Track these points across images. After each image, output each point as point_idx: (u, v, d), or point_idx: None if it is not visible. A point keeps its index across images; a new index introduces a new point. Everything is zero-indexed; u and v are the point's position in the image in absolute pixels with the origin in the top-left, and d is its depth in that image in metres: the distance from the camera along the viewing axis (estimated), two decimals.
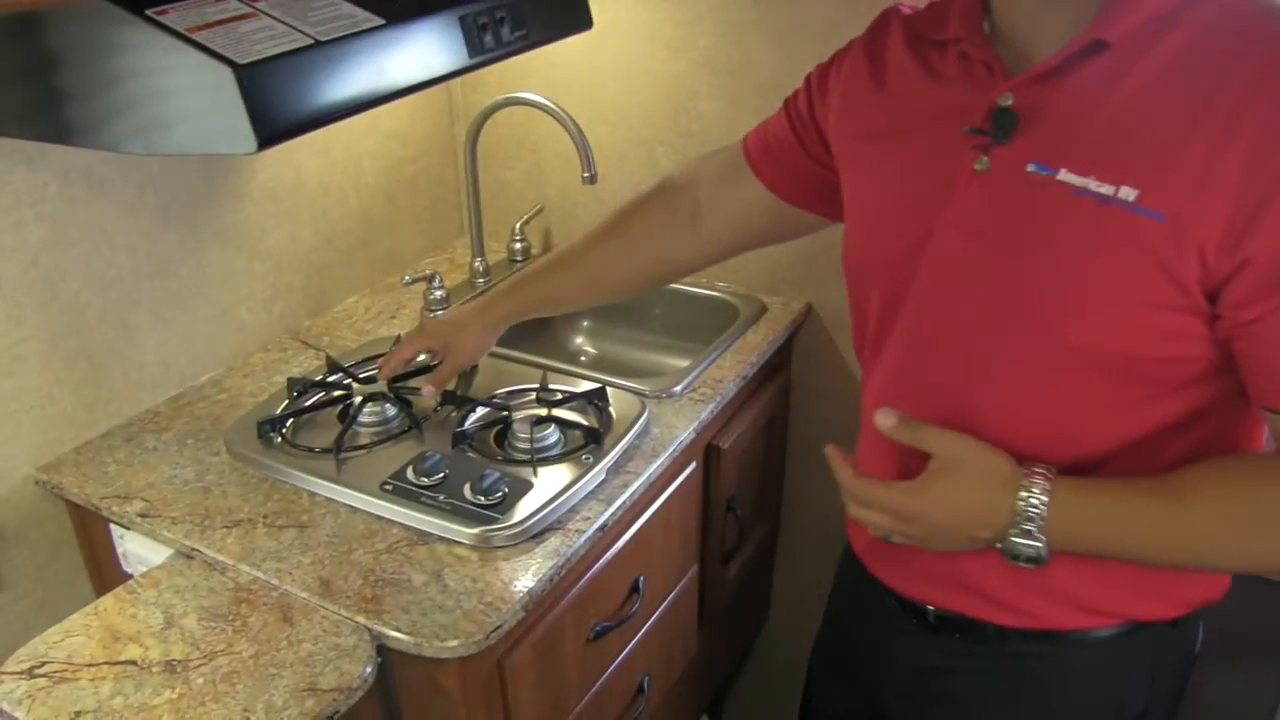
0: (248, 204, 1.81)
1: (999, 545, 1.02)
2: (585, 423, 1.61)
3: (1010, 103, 1.02)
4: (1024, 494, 1.00)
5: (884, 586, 1.29)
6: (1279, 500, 0.96)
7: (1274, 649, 1.80)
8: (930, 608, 1.24)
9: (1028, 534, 0.99)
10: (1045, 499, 0.99)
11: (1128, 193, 0.93)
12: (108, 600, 1.34)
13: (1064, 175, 0.97)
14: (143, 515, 1.45)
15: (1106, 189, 0.95)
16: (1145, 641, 1.17)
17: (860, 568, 1.33)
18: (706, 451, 1.81)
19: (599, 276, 1.54)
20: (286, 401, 1.67)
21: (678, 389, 1.74)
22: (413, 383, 1.65)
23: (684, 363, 1.85)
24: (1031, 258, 1.00)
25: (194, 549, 1.40)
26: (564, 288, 1.57)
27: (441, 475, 1.47)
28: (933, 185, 1.07)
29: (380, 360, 1.68)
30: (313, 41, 1.20)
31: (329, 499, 1.48)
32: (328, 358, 1.76)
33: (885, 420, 1.06)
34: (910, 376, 1.16)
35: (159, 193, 1.64)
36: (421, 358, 1.67)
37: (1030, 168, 0.99)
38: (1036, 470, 1.01)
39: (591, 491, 1.48)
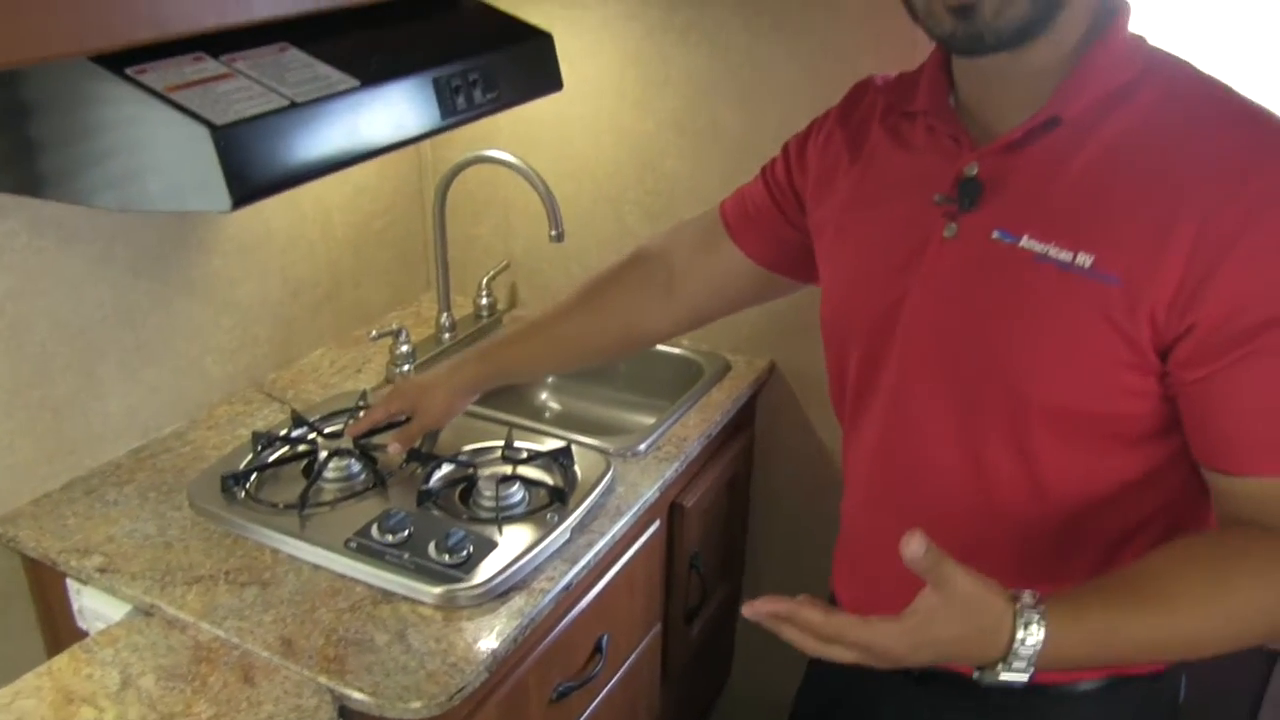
0: (216, 256, 1.81)
1: (979, 673, 0.98)
2: (550, 481, 1.61)
3: (975, 172, 1.07)
4: (1020, 634, 0.94)
5: None
6: (1250, 588, 0.97)
7: (1254, 699, 1.82)
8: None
9: (1018, 669, 0.95)
10: (1041, 636, 0.94)
11: (1084, 259, 0.99)
12: (62, 659, 1.32)
13: (1026, 242, 1.02)
14: (101, 570, 1.44)
15: (1065, 255, 1.00)
16: (1129, 694, 1.19)
17: None
18: (670, 509, 1.81)
19: (573, 344, 1.55)
20: (251, 455, 1.66)
21: (642, 447, 1.74)
22: (378, 439, 1.65)
23: (649, 420, 1.86)
24: (998, 320, 1.05)
25: (154, 605, 1.39)
26: (537, 355, 1.58)
27: (406, 533, 1.46)
28: (906, 251, 1.12)
29: (350, 422, 1.68)
30: (289, 102, 1.21)
31: (292, 556, 1.47)
32: (293, 411, 1.76)
33: (915, 550, 0.92)
34: (895, 433, 1.19)
35: (129, 244, 1.64)
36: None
37: (995, 234, 1.05)
38: (1029, 604, 0.95)
39: (556, 551, 1.49)
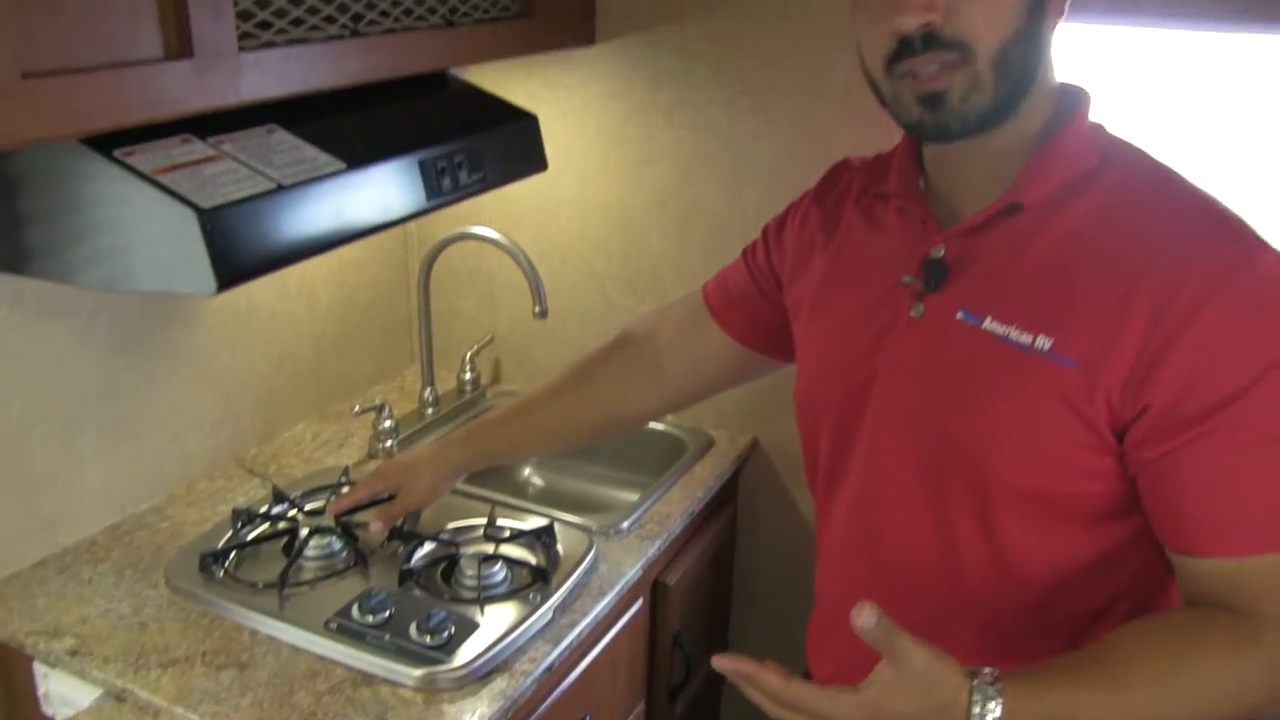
0: (199, 330, 1.81)
1: None
2: (533, 560, 1.60)
3: (942, 254, 1.10)
4: (977, 709, 0.94)
5: None
6: (1210, 671, 0.98)
7: None
8: None
9: None
10: (998, 714, 0.94)
11: (1044, 341, 1.02)
12: None
13: (989, 324, 1.06)
14: (72, 653, 1.41)
15: (1026, 338, 1.03)
16: None
17: None
18: (654, 587, 1.80)
19: (560, 427, 1.56)
20: (230, 533, 1.65)
21: (625, 525, 1.74)
22: (360, 516, 1.64)
23: (632, 496, 1.85)
24: (962, 400, 1.08)
25: (126, 689, 1.36)
26: (524, 438, 1.59)
27: (387, 613, 1.45)
28: (877, 330, 1.15)
29: (333, 499, 1.67)
30: (275, 185, 1.22)
31: (271, 637, 1.45)
32: (274, 488, 1.75)
33: (865, 620, 0.93)
34: (866, 509, 1.20)
35: (111, 318, 1.64)
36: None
37: (960, 315, 1.08)
38: (987, 681, 0.95)
39: (539, 631, 1.47)
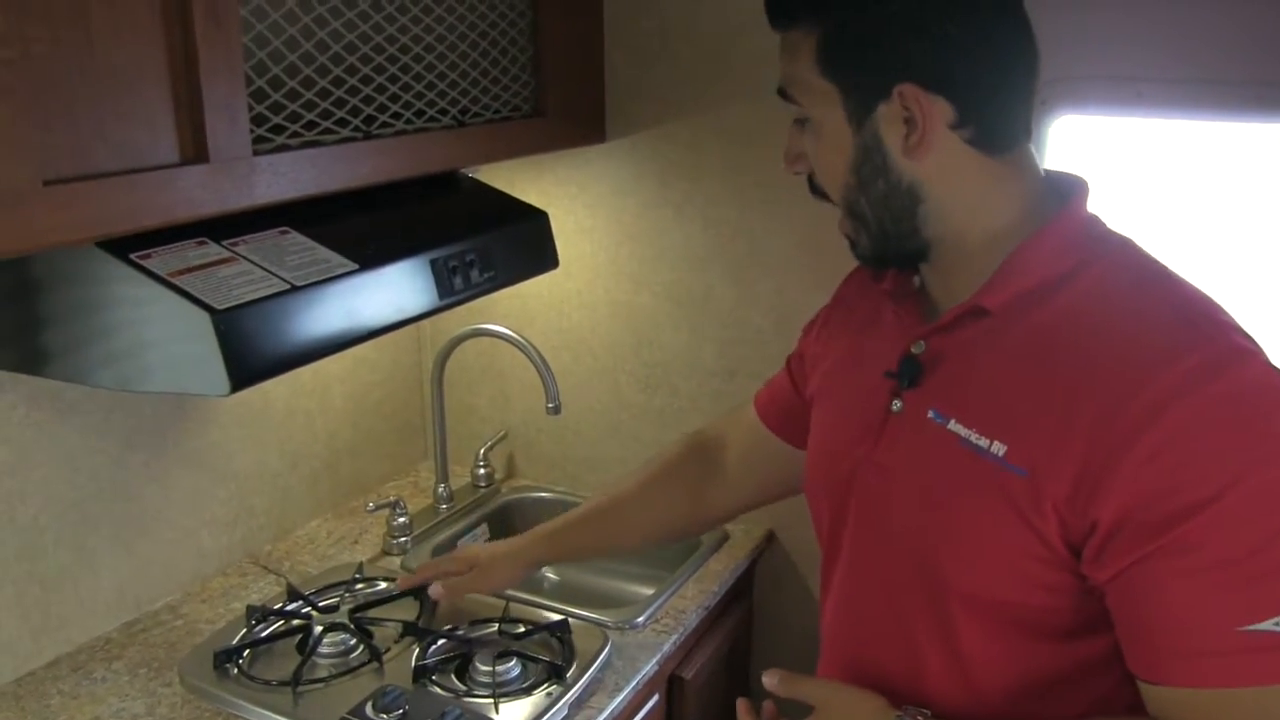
0: (214, 428, 1.82)
1: None
2: (547, 656, 1.59)
3: (920, 351, 1.11)
4: None
5: None
6: None
7: None
8: None
9: None
10: None
11: (999, 448, 1.00)
12: None
13: (954, 425, 1.05)
14: None
15: (984, 442, 1.01)
16: None
17: None
18: (669, 682, 1.78)
19: (646, 524, 1.58)
20: (244, 630, 1.64)
21: (640, 619, 1.73)
22: (376, 614, 1.63)
23: (647, 590, 1.84)
24: (924, 498, 1.07)
25: None
26: (609, 534, 1.61)
27: (401, 711, 1.44)
28: (863, 423, 1.15)
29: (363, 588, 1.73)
30: (289, 286, 1.24)
31: None
32: (288, 585, 1.75)
33: (769, 680, 1.14)
34: (851, 600, 1.21)
35: (126, 416, 1.66)
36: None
37: (930, 414, 1.07)
38: (910, 712, 1.05)
39: None
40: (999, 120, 1.02)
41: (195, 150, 1.18)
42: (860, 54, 1.01)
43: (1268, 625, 0.89)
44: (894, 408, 1.12)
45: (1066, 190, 1.07)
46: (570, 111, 1.89)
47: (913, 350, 1.11)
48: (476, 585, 1.60)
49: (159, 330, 1.17)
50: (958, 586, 1.04)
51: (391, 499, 1.97)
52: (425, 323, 2.25)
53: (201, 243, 1.26)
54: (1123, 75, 1.62)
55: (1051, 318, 1.01)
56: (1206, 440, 0.90)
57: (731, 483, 1.52)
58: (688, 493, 1.54)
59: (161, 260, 1.18)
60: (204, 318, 1.14)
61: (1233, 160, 1.64)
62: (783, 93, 1.08)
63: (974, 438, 1.02)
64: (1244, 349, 0.95)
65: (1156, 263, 1.04)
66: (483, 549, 1.64)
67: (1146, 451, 0.91)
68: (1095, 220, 1.07)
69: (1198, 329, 0.96)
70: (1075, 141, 1.73)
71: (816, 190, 1.12)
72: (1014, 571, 1.00)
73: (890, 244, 1.08)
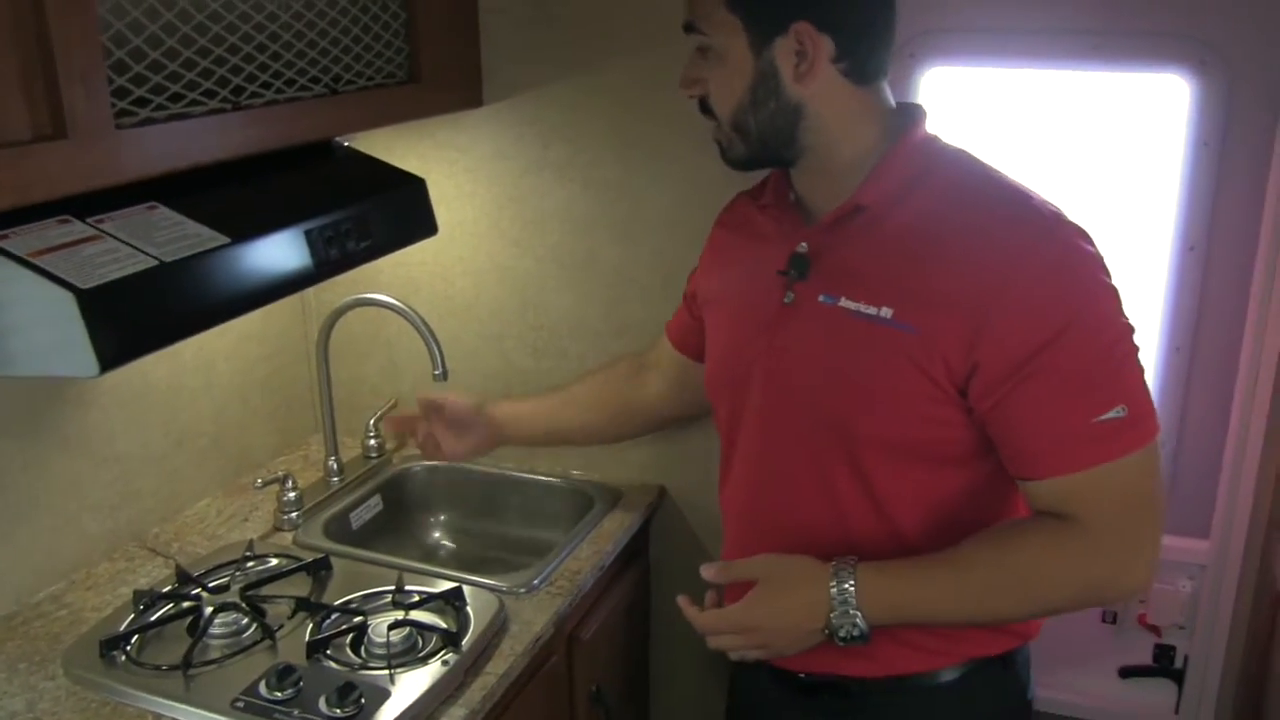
0: (94, 410, 1.78)
1: (827, 631, 1.27)
2: (443, 625, 1.59)
3: (805, 250, 1.34)
4: (834, 583, 1.26)
5: (761, 663, 1.44)
6: (1026, 562, 1.24)
7: None
8: (801, 675, 1.43)
9: (845, 614, 1.25)
10: (852, 583, 1.25)
11: (886, 312, 1.25)
12: None
13: (844, 302, 1.29)
14: None
15: (871, 310, 1.26)
16: (984, 682, 1.40)
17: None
18: (568, 642, 1.80)
19: (577, 420, 1.84)
20: (132, 616, 1.61)
21: (535, 583, 1.74)
22: (268, 590, 1.62)
23: (542, 554, 1.85)
24: (826, 365, 1.31)
25: None
26: (551, 425, 1.85)
27: (296, 688, 1.43)
28: (758, 318, 1.38)
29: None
30: (157, 262, 1.21)
31: None
32: (177, 566, 1.72)
33: (708, 573, 1.37)
34: (760, 475, 1.42)
35: None
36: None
37: (821, 298, 1.31)
38: (842, 561, 1.27)
39: (451, 695, 1.46)
40: (868, 57, 1.28)
41: (52, 125, 1.14)
42: None
43: (1110, 415, 1.19)
44: (787, 300, 1.34)
45: (911, 116, 1.34)
46: (445, 76, 1.87)
47: (798, 250, 1.34)
48: (454, 451, 1.81)
49: (21, 313, 1.14)
50: (864, 431, 1.28)
51: (280, 475, 1.94)
52: (310, 294, 2.22)
53: (65, 220, 1.23)
54: (983, 27, 1.76)
55: (915, 207, 1.27)
56: (1046, 292, 1.18)
57: (655, 394, 1.79)
58: (620, 399, 1.81)
59: (21, 240, 1.15)
60: (68, 298, 1.11)
61: (1080, 106, 1.77)
62: (689, 26, 1.30)
63: (863, 308, 1.26)
64: (1058, 217, 1.23)
65: (985, 164, 1.31)
66: (464, 410, 1.80)
67: (1009, 301, 1.18)
68: (935, 137, 1.34)
69: (1026, 207, 1.24)
70: (945, 92, 1.78)
71: (707, 110, 1.33)
72: (910, 411, 1.26)
73: (766, 151, 1.31)
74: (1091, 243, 1.23)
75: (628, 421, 1.85)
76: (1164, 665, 1.93)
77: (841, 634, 1.26)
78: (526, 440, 1.89)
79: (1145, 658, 1.94)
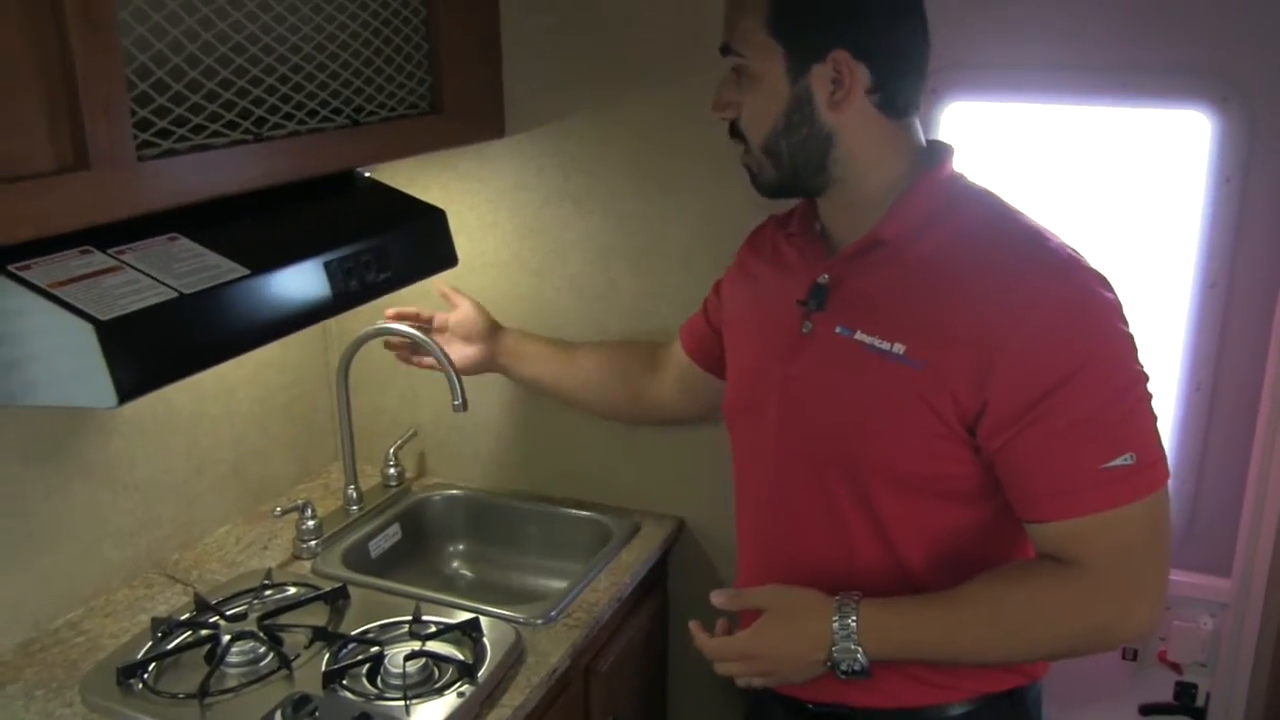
0: (115, 438, 1.79)
1: (829, 664, 1.27)
2: (459, 655, 1.59)
3: (825, 280, 1.35)
4: (837, 617, 1.26)
5: (772, 693, 1.46)
6: (1026, 604, 1.25)
7: None
8: (810, 705, 1.43)
9: (847, 649, 1.26)
10: (854, 618, 1.26)
11: (899, 348, 1.26)
12: None
13: (859, 335, 1.30)
14: None
15: (885, 344, 1.27)
16: (994, 716, 1.39)
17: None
18: (585, 675, 1.79)
19: (579, 386, 1.91)
20: (150, 643, 1.61)
21: (553, 614, 1.73)
22: (285, 619, 1.61)
23: (559, 585, 1.84)
24: (838, 396, 1.33)
25: None
26: (555, 376, 1.92)
27: (312, 718, 1.42)
28: (779, 347, 1.40)
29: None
30: (177, 294, 1.22)
31: None
32: (195, 594, 1.72)
33: (718, 599, 1.38)
34: (773, 506, 1.43)
35: (20, 429, 1.62)
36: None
37: (838, 329, 1.33)
38: (846, 596, 1.28)
39: None
40: (901, 90, 1.29)
41: (75, 157, 1.15)
42: (806, 21, 1.25)
43: (1117, 462, 1.19)
44: (805, 329, 1.36)
45: (940, 153, 1.35)
46: (468, 107, 1.88)
47: (819, 280, 1.35)
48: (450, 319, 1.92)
49: (42, 343, 1.15)
50: (871, 463, 1.30)
51: (299, 503, 1.95)
52: (331, 324, 2.23)
53: (86, 251, 1.24)
54: (1004, 63, 1.77)
55: (938, 245, 1.28)
56: (1061, 331, 1.19)
57: (664, 393, 1.84)
58: (630, 389, 1.87)
59: (42, 271, 1.16)
60: (87, 329, 1.11)
61: (1102, 142, 1.76)
62: (726, 48, 1.31)
63: (878, 343, 1.28)
64: (1077, 261, 1.24)
65: (1008, 204, 1.32)
66: (476, 325, 1.93)
67: (1019, 345, 1.19)
68: (961, 175, 1.35)
69: (1043, 249, 1.25)
70: (966, 127, 1.78)
71: (736, 134, 1.34)
72: (919, 446, 1.27)
73: (797, 178, 1.33)
74: (1110, 289, 1.24)
75: (630, 411, 1.93)
76: (1185, 703, 1.91)
77: (843, 667, 1.27)
78: (518, 379, 1.99)
79: (1166, 695, 1.92)
